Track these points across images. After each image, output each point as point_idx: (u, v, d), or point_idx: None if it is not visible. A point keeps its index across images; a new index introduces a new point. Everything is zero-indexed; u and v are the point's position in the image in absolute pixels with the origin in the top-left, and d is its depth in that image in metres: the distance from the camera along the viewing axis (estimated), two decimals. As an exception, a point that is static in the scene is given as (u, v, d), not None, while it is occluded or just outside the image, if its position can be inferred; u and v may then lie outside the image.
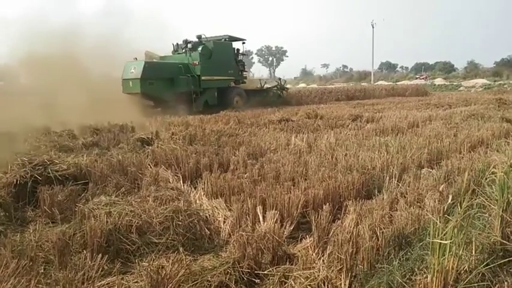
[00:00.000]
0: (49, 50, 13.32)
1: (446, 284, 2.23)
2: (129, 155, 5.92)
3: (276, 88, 20.39)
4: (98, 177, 4.76)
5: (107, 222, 3.16)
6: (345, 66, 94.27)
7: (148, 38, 17.57)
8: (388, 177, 4.51)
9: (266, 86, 20.33)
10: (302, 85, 57.18)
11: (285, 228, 3.42)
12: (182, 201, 3.86)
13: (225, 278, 2.64)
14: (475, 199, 3.31)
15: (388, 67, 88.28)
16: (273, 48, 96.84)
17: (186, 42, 16.09)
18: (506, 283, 2.52)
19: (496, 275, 2.61)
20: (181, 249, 3.03)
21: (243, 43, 18.63)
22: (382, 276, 2.49)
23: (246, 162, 5.41)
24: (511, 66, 53.29)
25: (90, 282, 2.58)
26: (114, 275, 2.75)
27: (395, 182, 4.43)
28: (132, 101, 13.74)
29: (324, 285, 2.49)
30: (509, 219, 2.94)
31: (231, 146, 6.81)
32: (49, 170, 4.59)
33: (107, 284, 2.65)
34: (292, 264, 2.86)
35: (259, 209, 3.58)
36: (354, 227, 3.09)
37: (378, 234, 2.97)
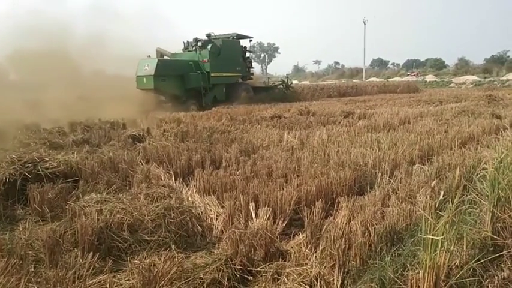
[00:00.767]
0: (38, 46, 13.17)
1: (438, 280, 2.24)
2: (120, 152, 5.88)
3: (281, 85, 21.17)
4: (88, 174, 4.72)
5: (98, 220, 3.13)
6: (336, 63, 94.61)
7: (140, 35, 17.58)
8: (380, 174, 4.52)
9: (272, 83, 21.45)
10: (294, 82, 57.16)
11: (277, 224, 3.42)
12: (174, 198, 3.84)
13: (218, 275, 2.63)
14: (467, 195, 3.34)
15: (380, 64, 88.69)
16: (265, 45, 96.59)
17: (196, 40, 16.73)
18: (496, 278, 2.55)
19: (487, 270, 2.63)
20: (173, 246, 3.02)
21: (250, 41, 19.44)
22: (375, 272, 2.49)
23: (239, 159, 5.40)
24: (501, 63, 53.77)
25: (81, 280, 2.55)
26: (106, 273, 2.72)
27: (387, 178, 4.45)
28: (135, 98, 13.81)
29: (317, 281, 2.49)
30: (499, 215, 2.97)
31: (224, 142, 6.78)
32: (39, 168, 4.54)
33: (98, 282, 2.62)
34: (284, 261, 2.85)
35: (251, 206, 3.57)
36: (346, 223, 3.09)
37: (370, 230, 2.97)
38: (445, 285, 2.29)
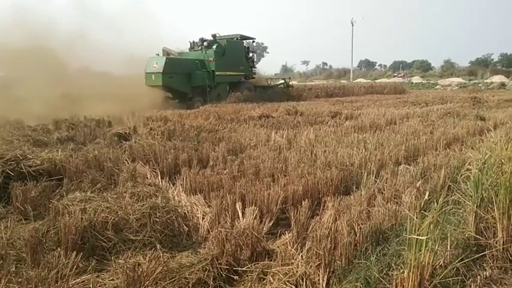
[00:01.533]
0: (22, 41, 12.93)
1: (422, 279, 2.26)
2: (106, 150, 5.80)
3: (282, 85, 22.48)
4: (73, 172, 4.64)
5: (82, 218, 3.09)
6: (324, 64, 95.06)
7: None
8: (366, 174, 4.55)
9: (273, 82, 22.91)
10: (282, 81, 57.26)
11: (264, 224, 3.42)
12: (160, 197, 3.80)
13: (203, 274, 2.61)
14: (451, 195, 3.38)
15: (367, 65, 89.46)
16: (254, 44, 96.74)
17: (202, 40, 17.50)
18: (479, 277, 2.59)
19: (470, 269, 2.67)
20: (158, 246, 2.98)
21: (253, 41, 20.64)
22: (360, 272, 2.51)
23: (226, 158, 5.38)
24: (486, 65, 54.78)
25: (64, 280, 2.50)
26: (89, 273, 2.68)
27: (373, 178, 4.48)
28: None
29: (303, 281, 2.49)
30: (483, 215, 3.01)
31: (211, 141, 6.76)
32: (22, 165, 4.45)
33: (82, 282, 2.58)
34: (271, 261, 2.85)
35: (238, 205, 3.56)
36: (332, 223, 3.10)
37: (356, 229, 2.99)
38: (429, 285, 2.32)
